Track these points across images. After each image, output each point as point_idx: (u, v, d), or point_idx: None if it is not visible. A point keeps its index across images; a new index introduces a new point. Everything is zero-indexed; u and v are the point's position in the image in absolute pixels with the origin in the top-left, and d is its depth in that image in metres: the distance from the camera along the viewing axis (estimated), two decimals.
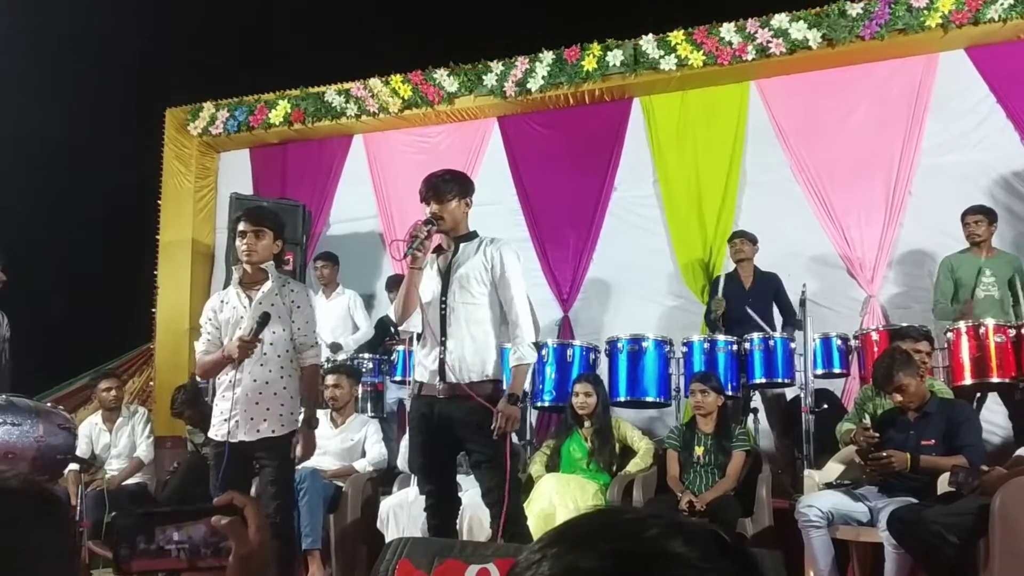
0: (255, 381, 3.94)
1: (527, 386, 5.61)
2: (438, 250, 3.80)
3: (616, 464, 5.10)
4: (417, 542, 2.81)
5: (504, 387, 3.66)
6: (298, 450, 4.01)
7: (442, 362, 3.59)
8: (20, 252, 8.76)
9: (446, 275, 3.68)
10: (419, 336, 3.76)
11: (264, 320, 3.87)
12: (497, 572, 2.55)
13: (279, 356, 3.99)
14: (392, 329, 6.34)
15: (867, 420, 4.49)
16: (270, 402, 3.96)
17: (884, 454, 4.05)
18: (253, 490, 4.13)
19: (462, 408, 3.54)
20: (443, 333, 3.62)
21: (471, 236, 3.75)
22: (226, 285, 7.23)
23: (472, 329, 3.61)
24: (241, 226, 4.00)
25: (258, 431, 3.94)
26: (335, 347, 6.64)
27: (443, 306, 3.64)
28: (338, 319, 6.98)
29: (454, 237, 3.73)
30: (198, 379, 5.62)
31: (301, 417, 4.04)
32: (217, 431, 4.00)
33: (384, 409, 6.40)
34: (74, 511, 5.26)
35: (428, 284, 3.71)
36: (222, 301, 4.13)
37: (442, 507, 3.72)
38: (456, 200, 3.67)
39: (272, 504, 3.92)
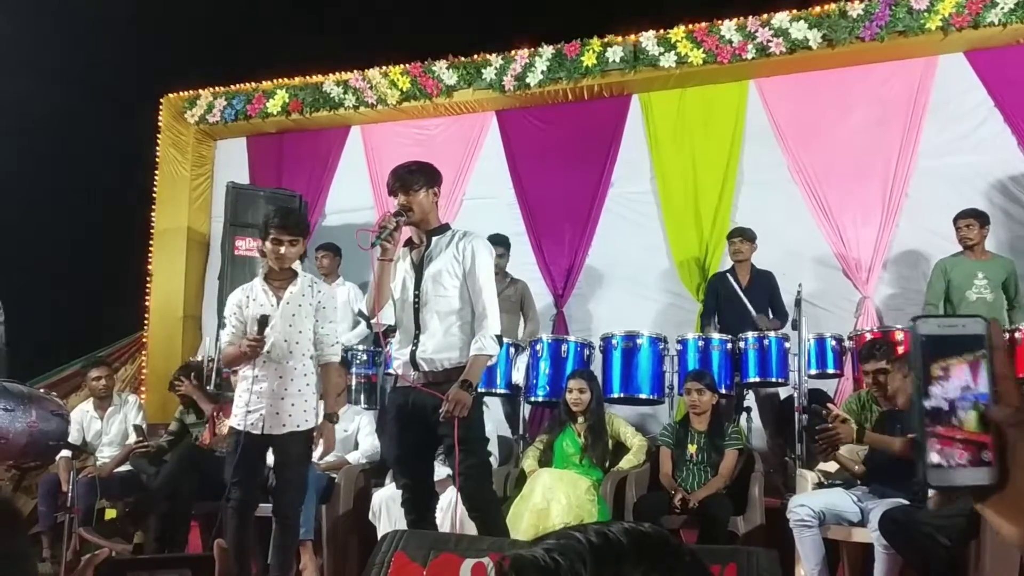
0: (280, 377, 4.05)
1: (521, 381, 5.63)
2: (410, 244, 3.81)
3: (609, 460, 5.11)
4: (412, 535, 2.81)
5: None
6: (320, 445, 4.13)
7: (413, 353, 3.66)
8: (14, 237, 8.76)
9: (419, 269, 3.71)
10: (393, 328, 3.80)
11: (264, 322, 3.97)
12: (492, 566, 2.55)
13: (303, 354, 4.11)
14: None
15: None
16: (293, 398, 4.06)
17: (831, 425, 4.04)
18: (269, 481, 4.24)
19: (435, 397, 3.58)
20: (417, 326, 3.68)
21: (443, 229, 3.78)
22: (221, 274, 7.30)
23: (444, 321, 3.66)
24: (275, 234, 4.06)
25: (284, 425, 4.03)
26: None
27: (416, 300, 3.69)
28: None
29: (426, 231, 3.74)
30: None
31: (322, 413, 4.15)
32: (239, 421, 4.08)
33: (378, 401, 6.40)
34: (65, 497, 5.28)
35: (401, 278, 3.75)
36: (248, 296, 4.20)
37: (418, 501, 3.74)
38: (424, 191, 3.67)
39: (284, 498, 4.08)
